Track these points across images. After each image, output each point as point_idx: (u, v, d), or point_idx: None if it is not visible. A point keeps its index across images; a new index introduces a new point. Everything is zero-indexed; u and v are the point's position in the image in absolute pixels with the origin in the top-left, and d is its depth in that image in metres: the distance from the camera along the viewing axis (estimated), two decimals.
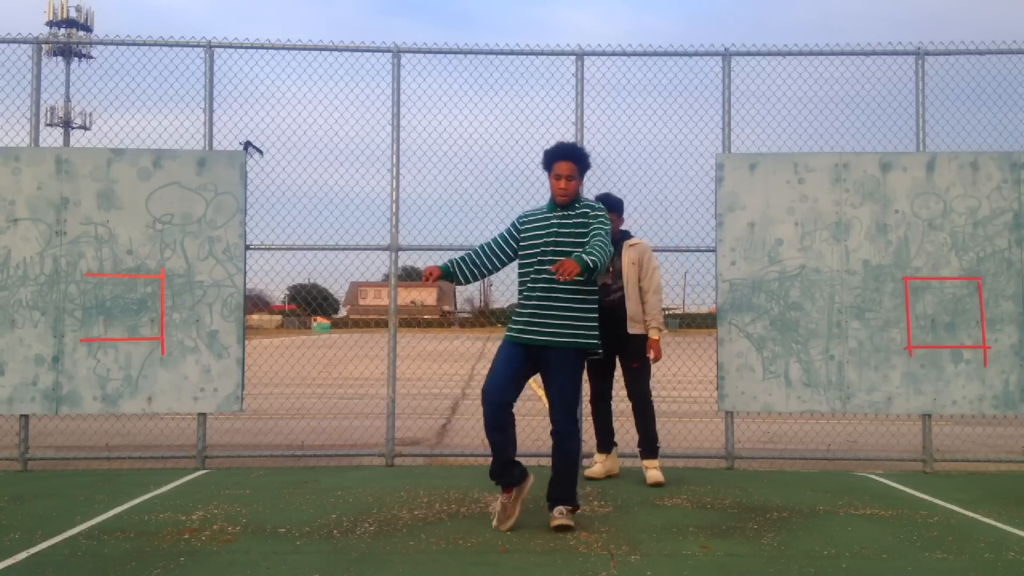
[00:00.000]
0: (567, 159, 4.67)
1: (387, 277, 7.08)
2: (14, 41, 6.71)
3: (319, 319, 45.24)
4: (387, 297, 7.12)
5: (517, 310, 4.72)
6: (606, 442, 6.13)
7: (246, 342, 6.71)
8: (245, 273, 6.62)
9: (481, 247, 4.86)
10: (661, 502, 5.34)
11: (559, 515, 4.55)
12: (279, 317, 56.24)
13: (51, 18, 53.75)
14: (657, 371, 6.18)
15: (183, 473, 6.31)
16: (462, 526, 4.63)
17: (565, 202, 4.69)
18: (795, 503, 5.34)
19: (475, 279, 4.86)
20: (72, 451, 7.18)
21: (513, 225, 4.85)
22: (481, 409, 4.62)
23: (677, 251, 6.85)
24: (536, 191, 6.79)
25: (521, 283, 4.73)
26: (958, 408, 6.56)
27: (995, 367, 6.55)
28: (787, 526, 4.74)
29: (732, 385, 6.60)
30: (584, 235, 4.61)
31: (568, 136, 6.78)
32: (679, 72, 6.89)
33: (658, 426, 6.08)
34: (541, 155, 4.80)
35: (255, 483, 5.91)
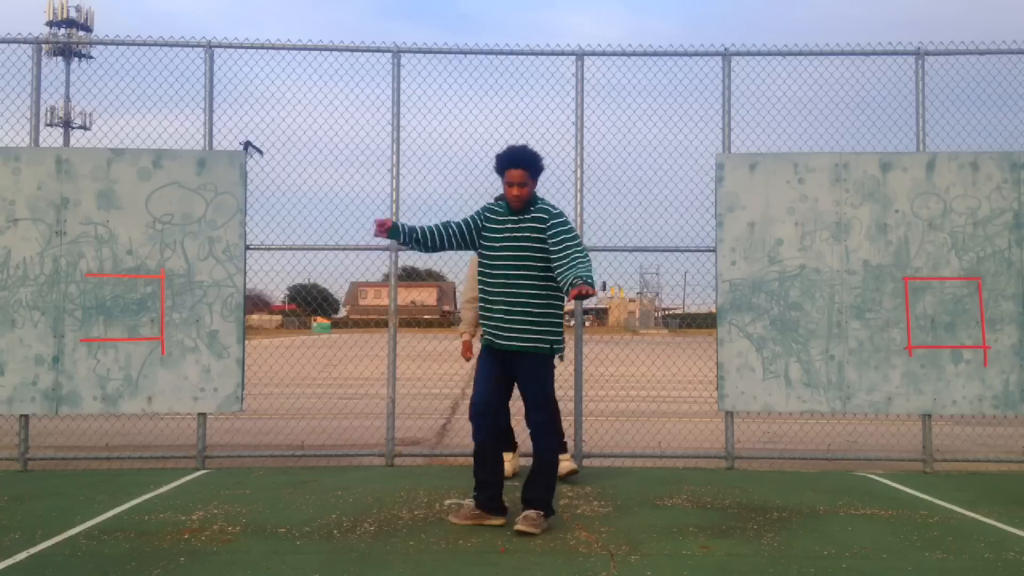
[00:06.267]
0: (517, 166, 4.59)
1: (387, 277, 7.08)
2: (14, 41, 6.71)
3: (319, 319, 45.25)
4: (387, 297, 7.12)
5: (483, 312, 4.71)
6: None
7: (246, 342, 6.71)
8: (245, 273, 6.62)
9: (448, 223, 4.77)
10: (661, 502, 5.34)
11: (524, 520, 4.50)
12: (279, 317, 56.24)
13: (51, 18, 53.70)
14: (658, 371, 6.18)
15: (183, 473, 6.31)
16: (462, 526, 4.63)
17: (519, 208, 4.63)
18: (795, 503, 5.34)
19: (426, 248, 4.77)
20: (72, 451, 7.17)
21: (479, 214, 4.79)
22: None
23: (677, 251, 6.85)
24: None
25: (483, 283, 4.69)
26: (958, 408, 6.56)
27: (995, 367, 6.55)
28: (787, 526, 4.74)
29: (732, 385, 6.60)
30: (537, 240, 4.55)
31: (568, 136, 6.78)
32: (679, 72, 6.90)
33: (658, 426, 6.07)
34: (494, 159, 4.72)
35: (255, 483, 5.91)
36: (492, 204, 4.83)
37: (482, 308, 4.71)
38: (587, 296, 4.24)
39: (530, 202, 4.67)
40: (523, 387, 4.68)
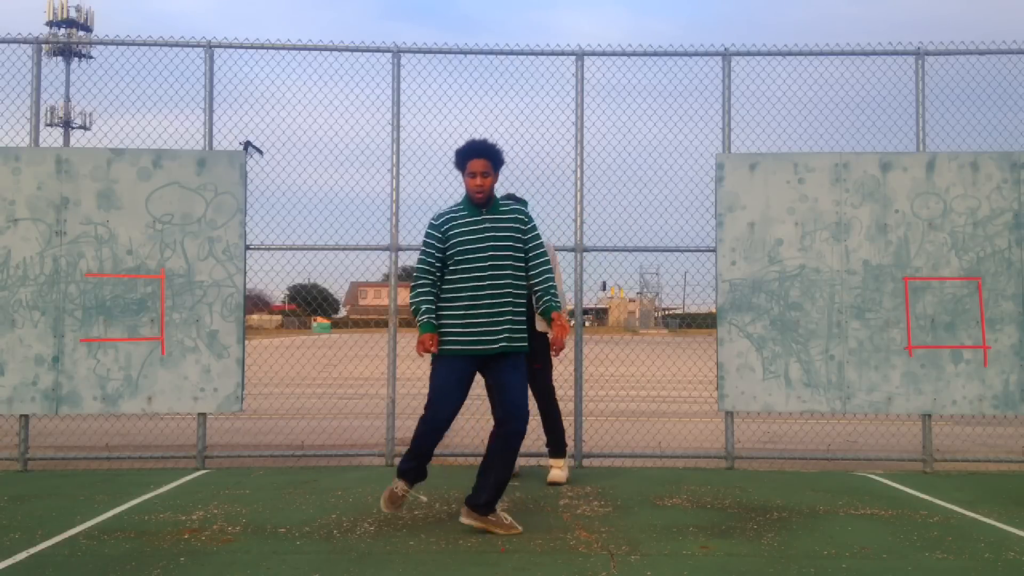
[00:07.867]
0: (481, 156, 4.45)
1: (387, 277, 7.09)
2: (14, 41, 6.71)
3: (319, 319, 45.29)
4: (387, 297, 7.13)
5: (461, 319, 4.42)
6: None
7: (246, 342, 6.71)
8: (245, 273, 6.62)
9: (430, 275, 4.51)
10: (661, 502, 5.34)
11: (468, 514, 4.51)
12: (279, 317, 56.28)
13: (51, 18, 53.74)
14: (658, 371, 6.18)
15: (183, 473, 6.31)
16: (462, 526, 4.62)
17: (482, 200, 4.47)
18: (795, 503, 5.34)
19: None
20: (72, 451, 7.18)
21: (433, 235, 4.51)
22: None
23: (677, 251, 6.85)
24: (534, 191, 6.80)
25: (459, 291, 4.44)
26: (958, 408, 6.56)
27: (995, 367, 6.55)
28: (787, 526, 4.74)
29: (732, 385, 6.60)
30: (519, 240, 4.52)
31: (568, 136, 6.78)
32: (679, 72, 6.90)
33: (658, 426, 6.07)
34: (453, 156, 4.57)
35: (255, 483, 5.91)
36: (443, 215, 4.56)
37: (459, 314, 4.42)
38: (562, 330, 4.50)
39: (497, 200, 4.60)
40: (502, 382, 4.45)
